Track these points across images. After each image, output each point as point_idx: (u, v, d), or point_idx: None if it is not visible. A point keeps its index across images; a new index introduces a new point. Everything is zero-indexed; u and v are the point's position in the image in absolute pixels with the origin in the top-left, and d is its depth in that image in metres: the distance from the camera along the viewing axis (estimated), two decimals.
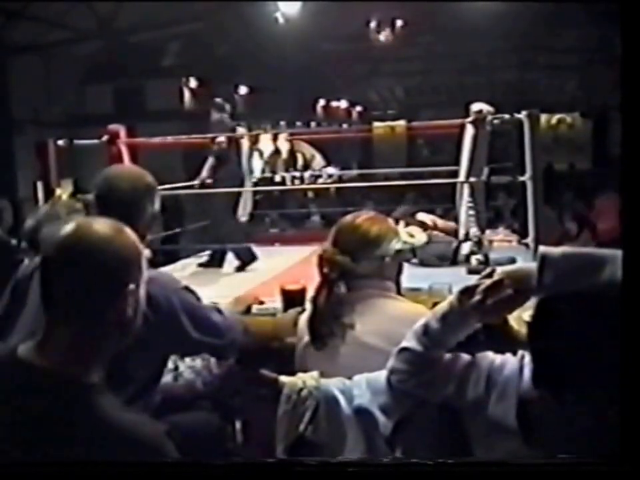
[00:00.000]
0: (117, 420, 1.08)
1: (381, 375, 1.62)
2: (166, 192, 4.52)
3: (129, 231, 1.20)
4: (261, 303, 2.59)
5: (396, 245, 1.94)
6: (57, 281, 1.12)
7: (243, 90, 14.90)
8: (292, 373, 1.78)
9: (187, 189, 4.83)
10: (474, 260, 3.32)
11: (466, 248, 3.47)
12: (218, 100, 4.81)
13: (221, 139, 4.52)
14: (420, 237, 3.58)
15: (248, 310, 2.51)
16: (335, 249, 1.86)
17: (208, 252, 4.48)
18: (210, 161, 4.55)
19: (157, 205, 1.89)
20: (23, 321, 1.72)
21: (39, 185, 4.31)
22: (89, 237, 1.14)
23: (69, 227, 1.16)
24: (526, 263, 1.81)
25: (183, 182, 5.02)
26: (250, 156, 4.95)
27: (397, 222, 4.49)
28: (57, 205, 3.44)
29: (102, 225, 1.17)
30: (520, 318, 1.69)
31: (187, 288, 1.80)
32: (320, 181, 6.52)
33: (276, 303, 2.59)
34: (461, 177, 3.38)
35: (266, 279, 3.99)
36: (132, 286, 1.15)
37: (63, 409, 1.05)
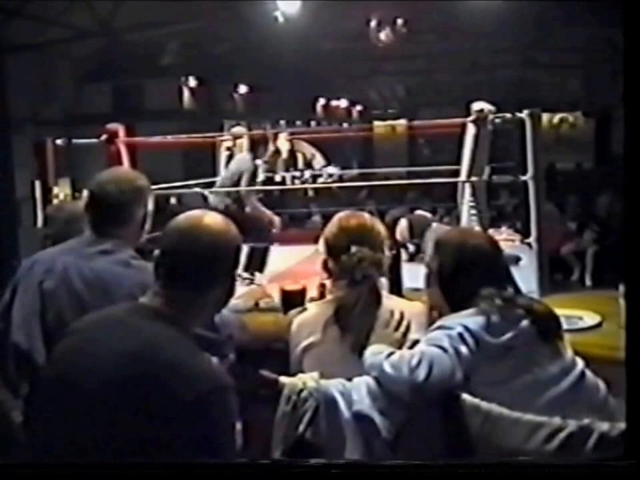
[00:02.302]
0: (195, 351, 1.34)
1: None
2: (165, 192, 4.51)
3: (232, 223, 1.45)
4: (268, 296, 2.62)
5: None
6: (178, 263, 1.37)
7: (242, 89, 14.90)
8: (291, 375, 1.76)
9: (186, 189, 4.82)
10: None
11: None
12: None
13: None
14: None
15: (256, 304, 2.56)
16: (366, 248, 1.86)
17: None
18: None
19: (149, 207, 1.93)
20: (20, 312, 1.78)
21: (37, 184, 4.30)
22: (207, 231, 1.39)
23: (186, 221, 1.41)
24: None
25: (183, 181, 5.01)
26: None
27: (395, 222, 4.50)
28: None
29: (214, 220, 1.42)
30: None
31: None
32: (320, 180, 6.51)
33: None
34: (463, 177, 3.36)
35: (266, 279, 3.98)
36: (236, 271, 1.45)
37: (164, 339, 1.32)
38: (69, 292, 1.76)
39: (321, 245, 1.97)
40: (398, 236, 4.82)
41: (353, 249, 1.85)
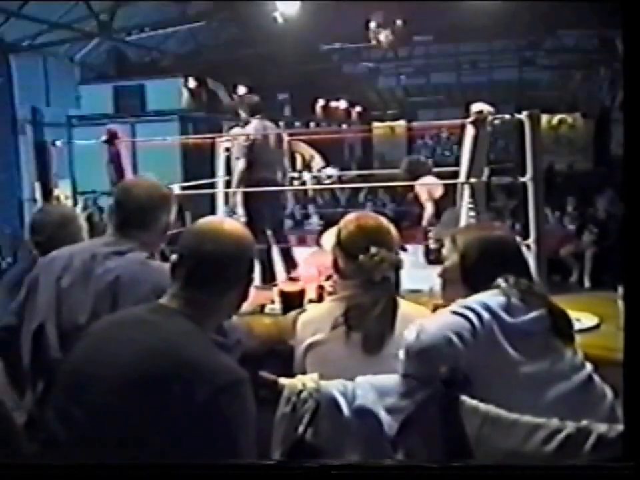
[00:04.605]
0: (212, 349, 1.37)
1: (390, 378, 1.64)
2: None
3: (248, 230, 1.51)
4: (272, 302, 2.63)
5: None
6: (197, 266, 1.41)
7: (241, 90, 14.91)
8: (292, 375, 1.77)
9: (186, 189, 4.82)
10: None
11: None
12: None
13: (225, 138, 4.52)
14: None
15: (262, 309, 2.59)
16: (384, 249, 1.84)
17: None
18: None
19: (172, 215, 1.99)
20: (35, 307, 1.82)
21: (37, 185, 4.31)
22: (227, 236, 1.44)
23: (206, 226, 1.46)
24: None
25: (182, 182, 5.01)
26: None
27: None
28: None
29: (233, 226, 1.48)
30: None
31: None
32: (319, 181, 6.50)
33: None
34: (462, 178, 3.36)
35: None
36: (253, 275, 1.49)
37: (183, 335, 1.36)
38: (83, 290, 1.78)
39: (332, 244, 1.95)
40: (424, 194, 4.71)
41: (373, 249, 1.83)
